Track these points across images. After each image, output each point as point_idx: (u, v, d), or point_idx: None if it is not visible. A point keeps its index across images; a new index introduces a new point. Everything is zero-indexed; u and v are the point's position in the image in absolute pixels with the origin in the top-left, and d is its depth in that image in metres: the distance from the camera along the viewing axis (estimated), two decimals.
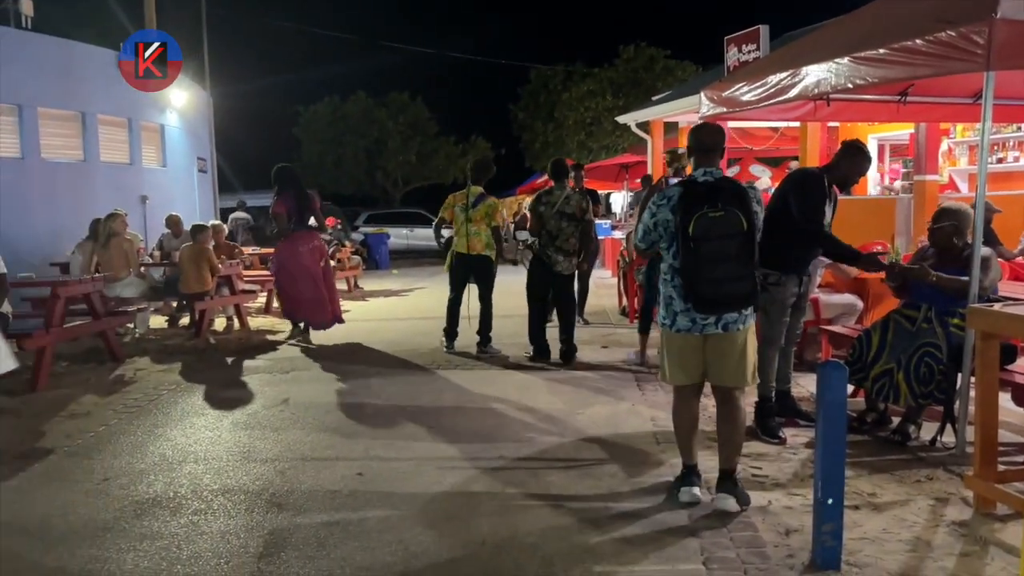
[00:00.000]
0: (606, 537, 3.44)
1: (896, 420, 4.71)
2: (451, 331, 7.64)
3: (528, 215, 7.13)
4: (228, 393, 6.24)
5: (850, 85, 5.00)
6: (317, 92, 34.14)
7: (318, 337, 8.50)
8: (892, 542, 3.31)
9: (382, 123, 33.10)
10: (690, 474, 3.85)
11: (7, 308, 5.98)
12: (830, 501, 3.04)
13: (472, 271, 7.48)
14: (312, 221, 8.36)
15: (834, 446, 3.04)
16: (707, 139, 3.75)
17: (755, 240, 3.57)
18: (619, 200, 19.98)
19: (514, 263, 7.96)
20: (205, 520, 3.73)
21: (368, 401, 5.89)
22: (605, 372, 6.66)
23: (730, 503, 3.65)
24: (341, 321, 8.68)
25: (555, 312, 7.54)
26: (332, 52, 47.71)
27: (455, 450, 4.70)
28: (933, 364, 4.34)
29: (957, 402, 4.35)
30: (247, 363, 7.40)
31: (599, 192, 22.07)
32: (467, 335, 7.60)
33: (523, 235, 7.30)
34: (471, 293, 7.53)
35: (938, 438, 4.47)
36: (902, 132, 11.40)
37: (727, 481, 3.72)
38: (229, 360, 7.59)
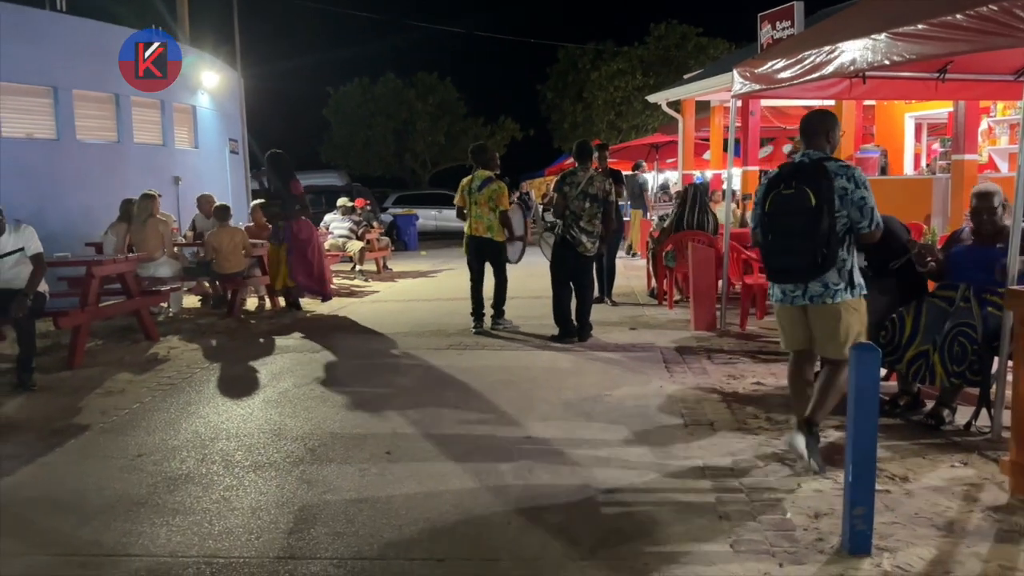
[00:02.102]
0: (632, 518, 3.43)
1: (929, 404, 4.64)
2: (476, 311, 7.75)
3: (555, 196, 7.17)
4: (260, 372, 6.31)
5: (887, 62, 4.89)
6: (347, 73, 34.33)
7: (353, 315, 8.56)
8: (924, 527, 3.26)
9: (411, 104, 33.11)
10: (799, 427, 3.98)
11: (43, 287, 6.09)
12: (861, 484, 2.99)
13: (481, 252, 7.70)
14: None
15: (865, 428, 2.99)
16: (804, 124, 3.99)
17: (822, 217, 3.65)
18: (649, 181, 19.84)
19: (519, 239, 8.01)
20: (236, 496, 3.79)
21: (396, 380, 5.93)
22: (633, 353, 6.62)
23: (798, 440, 3.85)
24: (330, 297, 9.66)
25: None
26: (362, 33, 47.79)
27: (482, 429, 4.72)
28: (967, 343, 4.25)
29: (994, 385, 4.27)
30: (279, 342, 7.48)
31: (627, 173, 21.94)
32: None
33: (549, 216, 7.37)
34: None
35: (973, 422, 4.39)
36: (940, 110, 11.14)
37: (805, 425, 3.89)
38: (261, 339, 7.68)
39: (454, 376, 6.01)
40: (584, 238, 6.99)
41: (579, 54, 31.76)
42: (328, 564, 3.11)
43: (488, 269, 7.76)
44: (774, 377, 5.67)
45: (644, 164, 16.97)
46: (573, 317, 7.19)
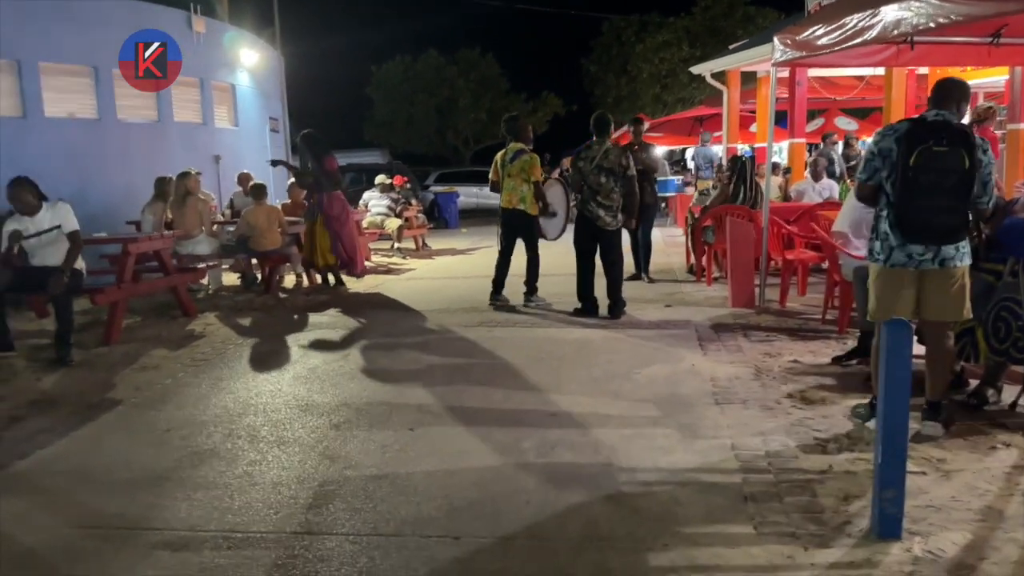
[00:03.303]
0: (654, 498, 3.36)
1: (973, 384, 4.44)
2: (497, 283, 7.74)
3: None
4: (292, 348, 6.35)
5: (933, 25, 4.64)
6: (389, 51, 34.16)
7: (388, 292, 8.60)
8: (960, 511, 3.12)
9: (453, 81, 32.93)
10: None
11: (81, 264, 6.19)
12: (891, 465, 2.86)
13: (513, 225, 7.63)
14: None
15: (897, 406, 2.85)
16: (939, 87, 3.94)
17: (973, 181, 3.67)
18: (691, 155, 19.45)
19: (553, 215, 7.84)
20: (259, 471, 3.80)
21: (425, 356, 5.90)
22: (667, 331, 6.49)
23: (937, 428, 3.89)
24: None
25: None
26: (404, 10, 47.56)
27: (507, 407, 4.67)
28: (1011, 319, 4.05)
29: None
30: (313, 319, 7.52)
31: (673, 148, 21.55)
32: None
33: None
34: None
35: (1019, 402, 4.20)
36: (999, 78, 10.62)
37: (932, 411, 3.92)
38: (296, 316, 7.73)
39: (483, 353, 5.97)
40: (602, 212, 6.88)
41: (623, 26, 31.18)
42: (344, 540, 3.10)
43: (520, 246, 7.66)
44: (812, 355, 5.50)
45: (710, 136, 16.56)
46: (602, 293, 7.06)
